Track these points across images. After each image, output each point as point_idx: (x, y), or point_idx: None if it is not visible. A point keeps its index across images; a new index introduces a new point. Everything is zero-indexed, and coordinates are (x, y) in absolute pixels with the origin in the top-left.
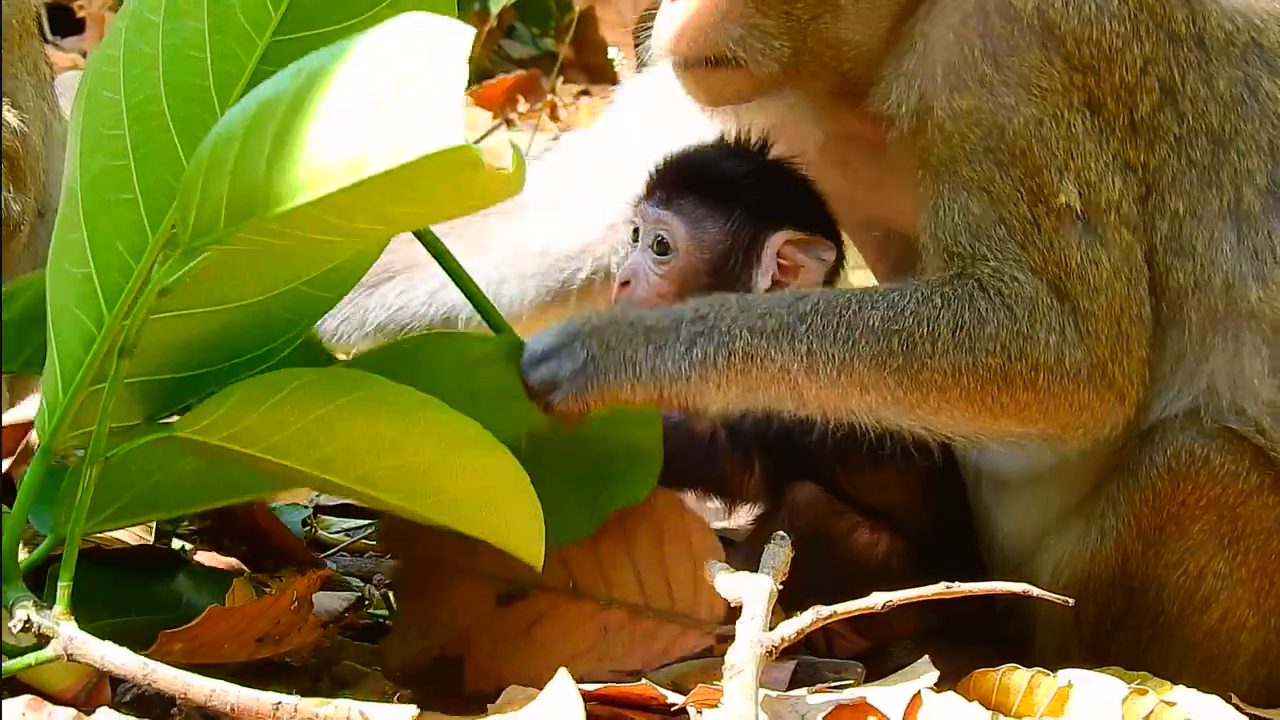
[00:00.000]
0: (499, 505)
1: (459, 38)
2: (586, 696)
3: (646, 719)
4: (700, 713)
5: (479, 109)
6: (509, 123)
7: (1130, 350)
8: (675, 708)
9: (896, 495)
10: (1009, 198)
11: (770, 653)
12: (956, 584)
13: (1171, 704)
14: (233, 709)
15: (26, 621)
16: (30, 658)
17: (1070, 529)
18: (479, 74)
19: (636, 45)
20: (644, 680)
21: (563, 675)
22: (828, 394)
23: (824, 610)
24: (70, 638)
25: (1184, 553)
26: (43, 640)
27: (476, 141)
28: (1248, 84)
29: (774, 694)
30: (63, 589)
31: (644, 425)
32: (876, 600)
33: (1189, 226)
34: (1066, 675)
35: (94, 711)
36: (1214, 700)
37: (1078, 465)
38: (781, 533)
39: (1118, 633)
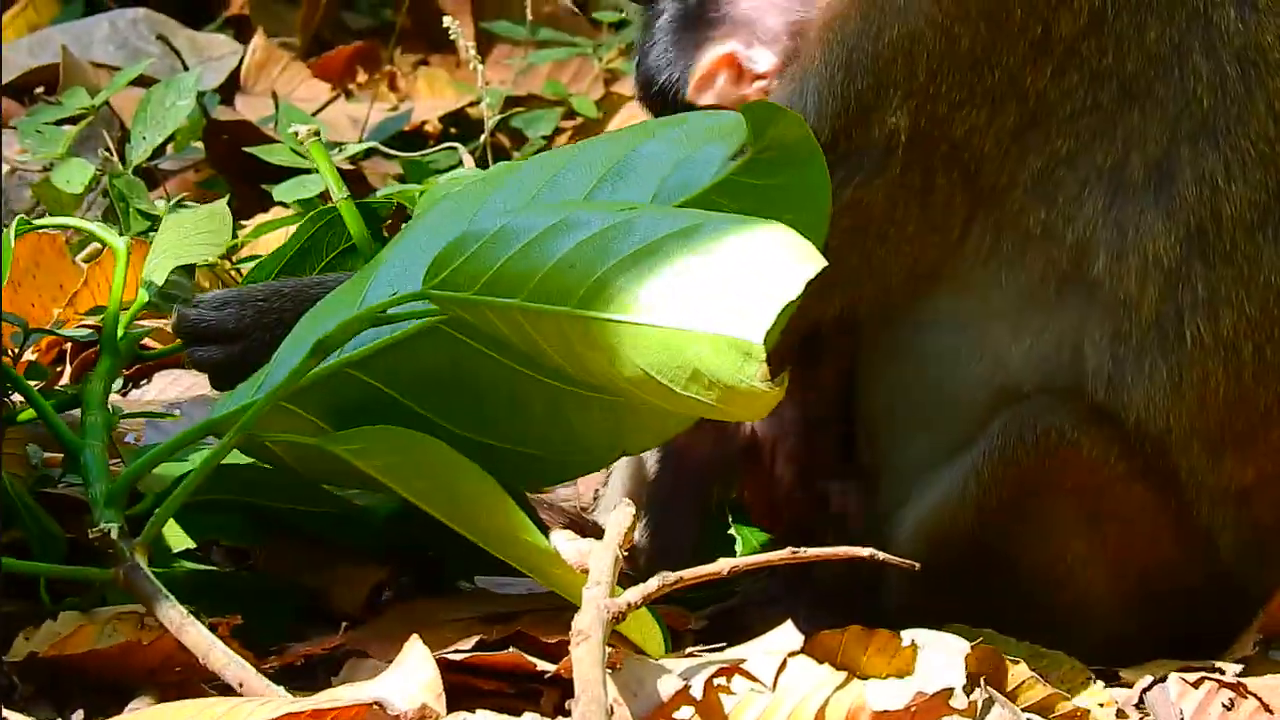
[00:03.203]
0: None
1: (810, 267)
2: (449, 665)
3: (517, 688)
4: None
5: (317, 80)
6: (348, 94)
7: None
8: (548, 675)
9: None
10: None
11: (617, 618)
12: (803, 549)
13: (1016, 661)
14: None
15: (104, 536)
16: (84, 570)
17: (938, 483)
18: (318, 45)
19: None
20: (511, 649)
21: (415, 643)
22: None
23: (670, 576)
24: (132, 569)
25: (1044, 531)
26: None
27: (315, 114)
28: (1178, 48)
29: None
30: (151, 526)
31: None
32: (723, 565)
33: (1061, 172)
34: (910, 634)
35: None
36: (1058, 655)
37: (955, 414)
38: (626, 499)
39: (972, 596)
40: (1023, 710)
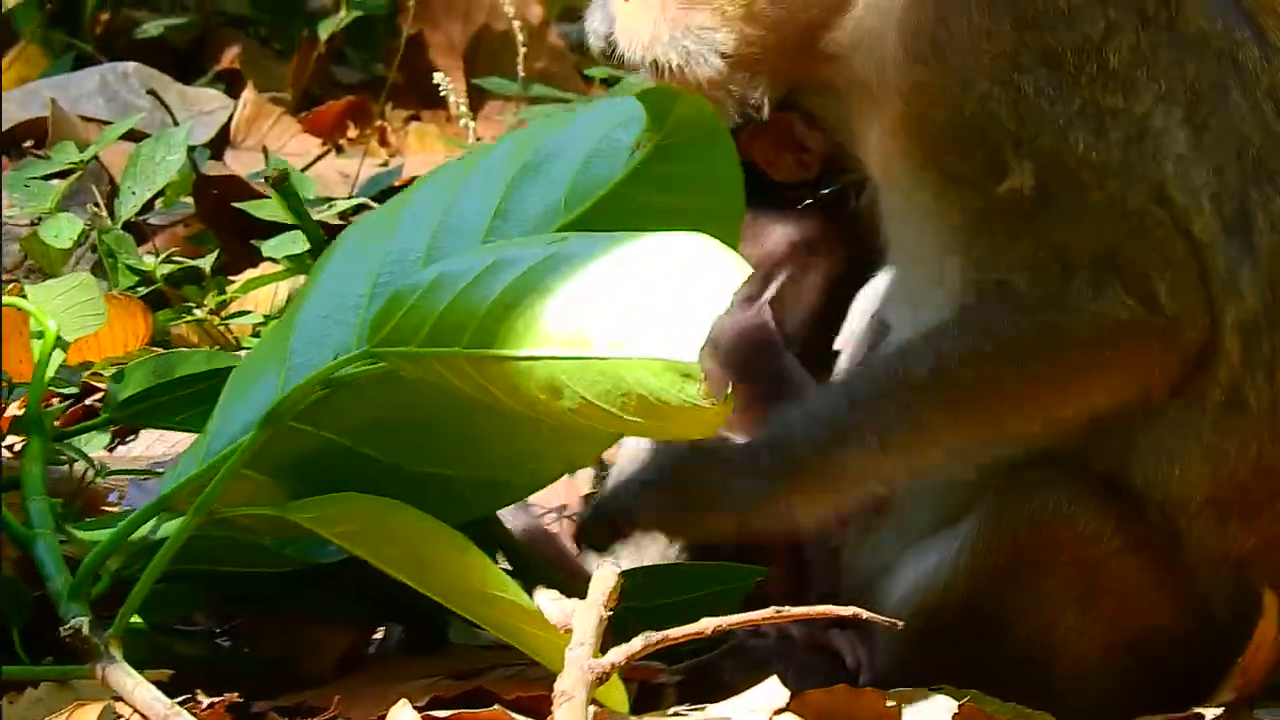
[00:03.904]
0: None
1: (736, 276)
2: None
3: None
4: None
5: (308, 135)
6: (339, 149)
7: (1176, 280)
8: None
9: None
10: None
11: (600, 679)
12: (787, 608)
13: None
14: None
15: (76, 634)
16: (63, 669)
17: (930, 552)
18: (308, 100)
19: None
20: (496, 705)
21: (403, 706)
22: (916, 461)
23: (654, 636)
24: (107, 665)
25: (1038, 602)
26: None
27: (304, 169)
28: (1216, 85)
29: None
30: (121, 617)
31: None
32: (707, 625)
33: (1197, 177)
34: (897, 695)
35: None
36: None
37: (949, 487)
38: (611, 560)
39: (964, 658)
40: None
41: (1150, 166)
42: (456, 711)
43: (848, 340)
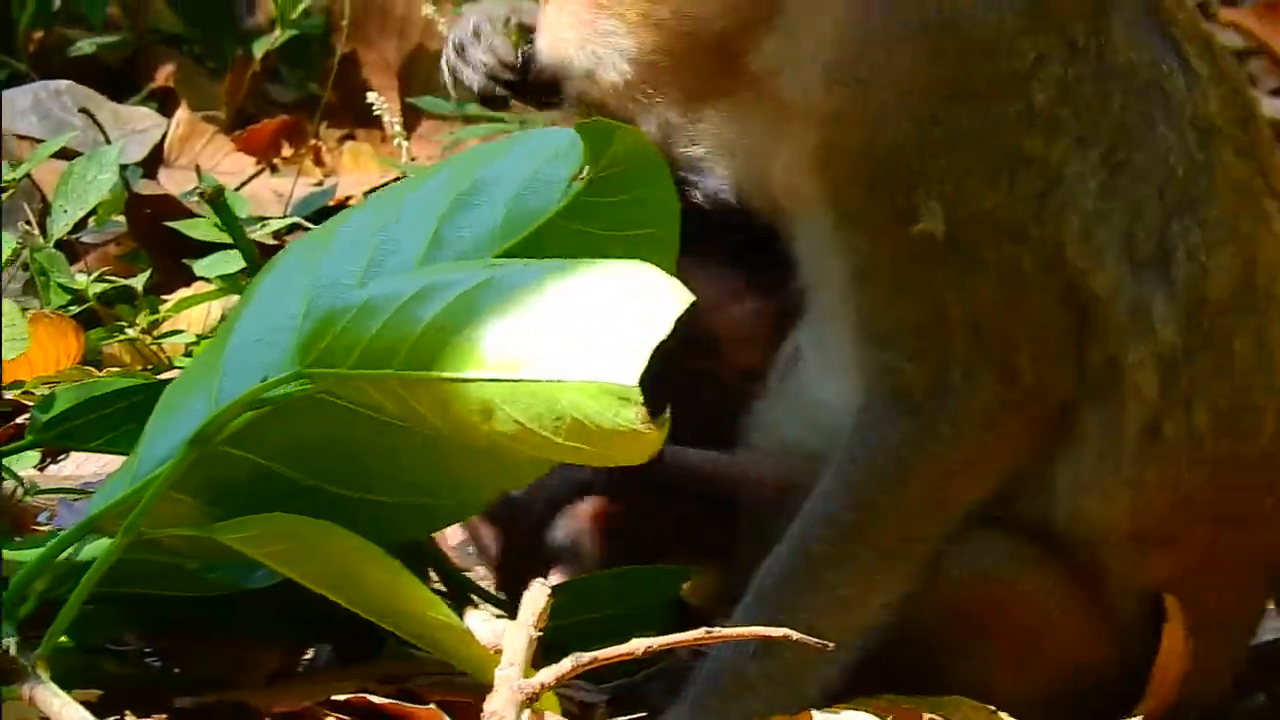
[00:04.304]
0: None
1: (677, 303)
2: (366, 707)
3: None
4: None
5: (242, 154)
6: (273, 168)
7: (1039, 350)
8: None
9: None
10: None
11: (530, 699)
12: (717, 629)
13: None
14: None
15: (3, 654)
16: None
17: (881, 624)
18: (242, 119)
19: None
20: (432, 705)
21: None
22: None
23: (584, 656)
24: (34, 686)
25: (974, 664)
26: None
27: (238, 188)
28: (1144, 116)
29: None
30: (48, 639)
31: None
32: (637, 645)
33: (1100, 234)
34: (822, 717)
35: None
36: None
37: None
38: (540, 580)
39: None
40: None
41: (1051, 228)
42: (392, 702)
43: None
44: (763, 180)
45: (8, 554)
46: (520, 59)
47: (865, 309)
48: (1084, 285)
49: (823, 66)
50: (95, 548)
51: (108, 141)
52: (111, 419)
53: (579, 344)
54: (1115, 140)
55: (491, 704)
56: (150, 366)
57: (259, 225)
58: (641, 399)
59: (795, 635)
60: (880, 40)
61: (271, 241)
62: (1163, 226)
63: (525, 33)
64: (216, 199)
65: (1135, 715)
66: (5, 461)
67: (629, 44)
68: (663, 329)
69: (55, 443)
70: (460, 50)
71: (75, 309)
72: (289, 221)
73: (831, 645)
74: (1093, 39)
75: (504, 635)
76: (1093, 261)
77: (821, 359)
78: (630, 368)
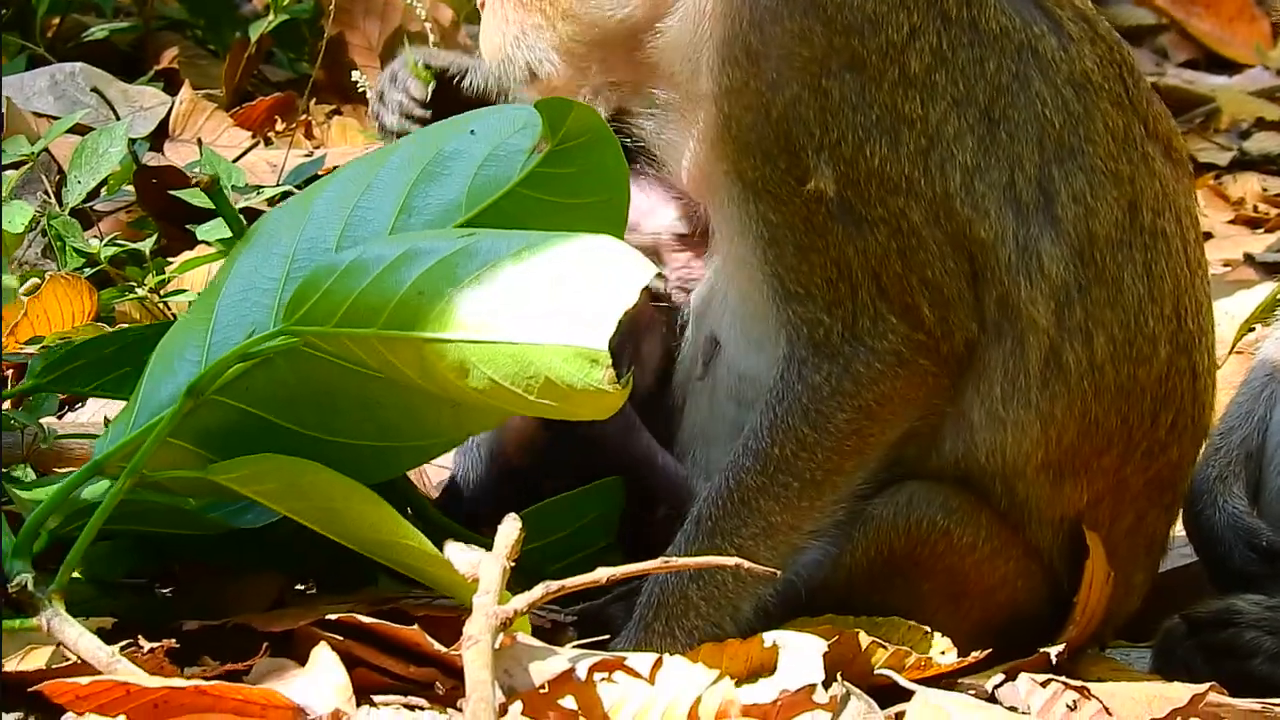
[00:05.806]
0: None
1: (644, 274)
2: (355, 625)
3: (413, 668)
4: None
5: (239, 129)
6: (267, 141)
7: (936, 295)
8: (442, 654)
9: None
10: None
11: (505, 623)
12: (673, 559)
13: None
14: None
15: (21, 589)
16: (16, 622)
17: (812, 547)
18: (240, 97)
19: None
20: (415, 626)
21: (323, 650)
22: (781, 549)
23: (553, 584)
24: (51, 617)
25: (910, 603)
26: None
27: (236, 160)
28: (1017, 77)
29: (530, 643)
30: (62, 573)
31: None
32: (601, 574)
33: (980, 185)
34: (771, 636)
35: None
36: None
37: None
38: (512, 514)
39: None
40: (876, 669)
41: (936, 181)
42: (379, 622)
43: (682, 359)
44: (681, 173)
45: (25, 495)
46: (430, 96)
47: (780, 272)
48: (971, 233)
49: (717, 47)
50: (102, 489)
51: (118, 118)
52: (100, 365)
53: (554, 310)
54: (991, 99)
55: (470, 628)
56: (158, 323)
57: (254, 193)
58: (610, 362)
59: (746, 564)
60: (769, 17)
61: (265, 208)
62: (1042, 174)
63: (434, 73)
64: (212, 188)
65: (1060, 642)
66: (26, 407)
67: (553, 36)
68: (630, 298)
69: (53, 387)
70: (380, 96)
71: (89, 271)
72: (281, 189)
73: (776, 572)
74: (965, 9)
75: (480, 565)
76: (976, 210)
77: (744, 339)
78: (601, 333)
